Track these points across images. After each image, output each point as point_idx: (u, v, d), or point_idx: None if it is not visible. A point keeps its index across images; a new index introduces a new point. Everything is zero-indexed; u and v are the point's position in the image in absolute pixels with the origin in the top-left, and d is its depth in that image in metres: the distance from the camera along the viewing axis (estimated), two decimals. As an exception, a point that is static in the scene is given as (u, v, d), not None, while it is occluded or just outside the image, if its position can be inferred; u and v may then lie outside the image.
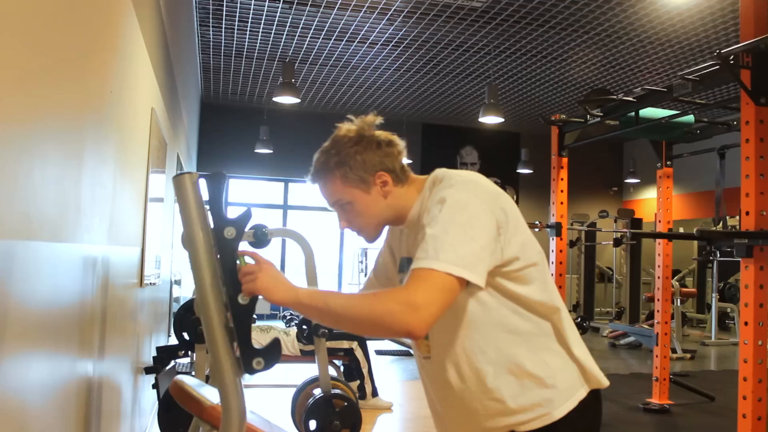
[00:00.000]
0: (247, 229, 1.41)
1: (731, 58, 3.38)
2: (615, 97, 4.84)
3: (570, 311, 10.50)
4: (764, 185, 3.33)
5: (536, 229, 5.37)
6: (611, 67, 8.53)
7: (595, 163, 13.34)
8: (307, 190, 12.61)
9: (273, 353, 1.32)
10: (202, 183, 1.40)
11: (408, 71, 9.20)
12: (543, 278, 1.53)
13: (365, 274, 11.76)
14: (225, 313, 1.34)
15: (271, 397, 5.50)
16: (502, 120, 8.46)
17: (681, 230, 10.48)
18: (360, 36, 7.76)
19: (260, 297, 1.38)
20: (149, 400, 4.26)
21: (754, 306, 3.30)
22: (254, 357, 1.31)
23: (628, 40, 7.51)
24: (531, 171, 12.20)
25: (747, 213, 3.34)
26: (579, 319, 8.34)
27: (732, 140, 4.86)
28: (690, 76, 4.02)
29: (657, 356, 5.46)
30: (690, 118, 5.19)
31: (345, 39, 7.89)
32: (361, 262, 12.26)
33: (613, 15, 6.76)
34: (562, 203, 5.50)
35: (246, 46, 8.29)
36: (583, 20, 6.93)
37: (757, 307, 3.30)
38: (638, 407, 5.41)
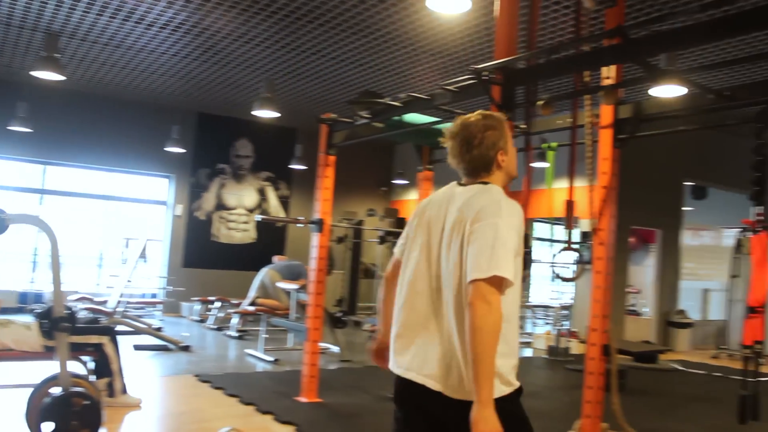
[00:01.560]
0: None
1: (484, 73, 3.65)
2: (382, 100, 5.03)
3: (333, 305, 10.79)
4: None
5: (300, 225, 5.43)
6: (385, 71, 8.88)
7: (368, 163, 13.79)
8: (68, 175, 11.66)
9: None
10: None
11: (186, 57, 8.83)
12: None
13: (126, 263, 11.13)
14: None
15: (5, 398, 4.98)
16: (279, 114, 8.44)
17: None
18: (136, 15, 7.30)
19: None
20: None
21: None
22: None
23: (402, 47, 7.86)
24: (305, 167, 12.26)
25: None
26: (341, 314, 8.57)
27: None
28: (450, 87, 4.29)
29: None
30: (450, 125, 5.54)
31: (120, 17, 7.37)
32: (122, 253, 11.57)
33: (389, 20, 7.02)
34: (326, 200, 5.61)
35: (6, 13, 7.42)
36: (361, 22, 7.12)
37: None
38: (388, 396, 5.66)
